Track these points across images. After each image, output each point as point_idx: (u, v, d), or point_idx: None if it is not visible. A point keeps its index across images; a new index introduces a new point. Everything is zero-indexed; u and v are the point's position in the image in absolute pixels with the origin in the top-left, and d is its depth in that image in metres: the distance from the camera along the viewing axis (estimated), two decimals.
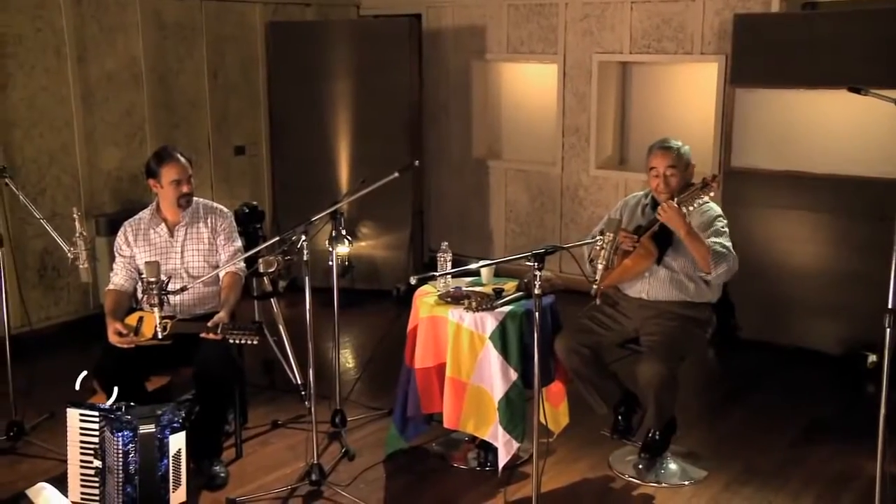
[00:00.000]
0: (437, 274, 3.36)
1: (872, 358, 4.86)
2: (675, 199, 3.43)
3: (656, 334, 3.55)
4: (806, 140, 5.11)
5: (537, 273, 2.98)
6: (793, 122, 5.15)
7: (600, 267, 3.25)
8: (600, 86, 6.38)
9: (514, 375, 3.54)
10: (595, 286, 3.29)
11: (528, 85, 7.03)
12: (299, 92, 6.53)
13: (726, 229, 3.58)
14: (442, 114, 7.25)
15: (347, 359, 5.20)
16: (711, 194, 3.44)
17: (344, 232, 3.94)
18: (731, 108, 5.30)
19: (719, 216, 3.59)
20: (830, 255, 5.09)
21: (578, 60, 6.43)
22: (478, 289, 3.87)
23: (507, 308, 3.60)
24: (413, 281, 3.21)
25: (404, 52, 6.43)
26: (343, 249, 3.81)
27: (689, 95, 6.23)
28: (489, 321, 3.53)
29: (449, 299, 3.70)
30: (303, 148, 6.58)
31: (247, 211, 4.46)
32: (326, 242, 3.88)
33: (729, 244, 3.49)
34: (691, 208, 3.44)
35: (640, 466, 3.77)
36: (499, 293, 3.72)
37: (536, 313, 3.03)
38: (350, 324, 5.62)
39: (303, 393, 4.49)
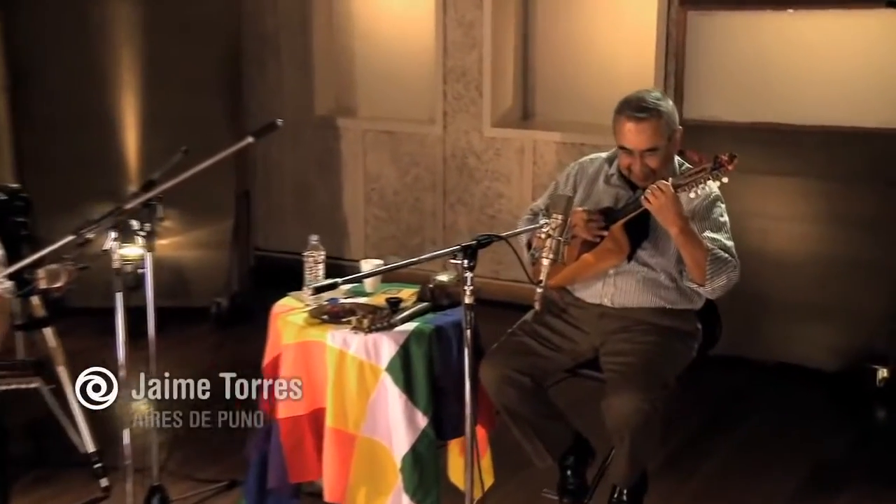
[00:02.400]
0: (341, 281, 3.17)
1: (884, 373, 5.00)
2: (671, 181, 3.42)
3: (628, 355, 3.54)
4: (786, 80, 5.18)
5: (469, 275, 2.99)
6: (767, 57, 5.22)
7: (546, 262, 3.18)
8: (496, 12, 6.38)
9: (422, 422, 3.52)
10: (539, 289, 3.20)
11: (394, 13, 7.01)
12: (55, 20, 6.24)
13: (726, 218, 3.63)
14: (269, 53, 7.23)
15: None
16: (725, 180, 3.42)
17: (139, 226, 3.70)
18: (681, 40, 5.39)
19: (718, 199, 3.64)
20: (821, 235, 5.17)
21: None
22: (362, 300, 3.78)
23: (409, 326, 3.56)
24: (308, 293, 3.18)
25: None
26: (136, 251, 3.71)
27: (618, 23, 6.30)
28: (385, 345, 3.50)
29: (325, 317, 3.60)
30: (64, 103, 6.31)
31: (3, 199, 4.18)
32: (112, 241, 3.60)
33: (731, 244, 3.56)
34: (692, 195, 3.45)
35: None
36: (395, 305, 3.68)
37: (468, 330, 3.06)
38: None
39: (96, 466, 4.24)
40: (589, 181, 3.78)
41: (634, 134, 3.52)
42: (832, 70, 5.12)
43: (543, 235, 3.19)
